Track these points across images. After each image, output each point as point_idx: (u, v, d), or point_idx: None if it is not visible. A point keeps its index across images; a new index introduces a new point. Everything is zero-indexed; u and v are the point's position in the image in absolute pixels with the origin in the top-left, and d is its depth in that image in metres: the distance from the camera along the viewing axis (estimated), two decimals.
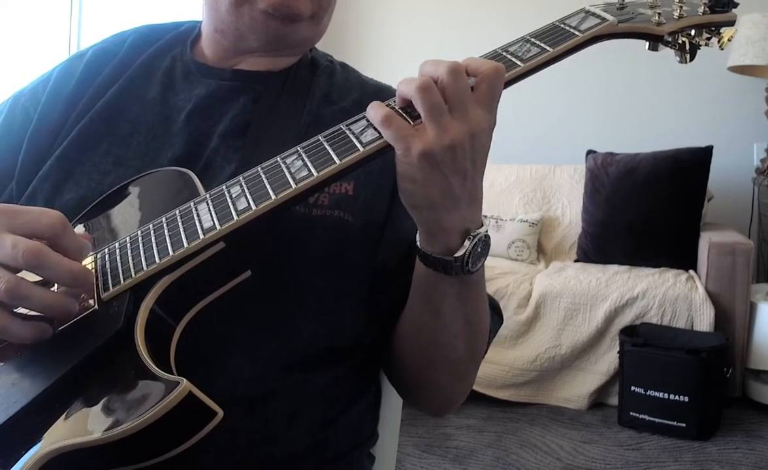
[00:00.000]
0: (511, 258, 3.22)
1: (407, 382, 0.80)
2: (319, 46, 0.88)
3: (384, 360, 0.81)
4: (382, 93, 0.83)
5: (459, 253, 0.62)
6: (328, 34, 0.87)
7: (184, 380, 0.51)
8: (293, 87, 0.80)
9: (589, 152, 3.27)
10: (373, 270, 0.74)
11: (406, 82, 0.59)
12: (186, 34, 0.87)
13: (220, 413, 0.52)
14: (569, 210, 3.35)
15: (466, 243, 0.61)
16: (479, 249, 0.62)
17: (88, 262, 0.64)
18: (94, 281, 0.60)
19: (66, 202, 0.74)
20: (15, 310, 0.57)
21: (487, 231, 0.63)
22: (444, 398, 0.79)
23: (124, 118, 0.79)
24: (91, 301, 0.60)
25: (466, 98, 0.58)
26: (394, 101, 0.61)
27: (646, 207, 2.96)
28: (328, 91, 0.81)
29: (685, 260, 2.88)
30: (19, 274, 0.56)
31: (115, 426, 0.50)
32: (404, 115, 0.59)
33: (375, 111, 0.60)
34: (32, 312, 0.57)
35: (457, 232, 0.61)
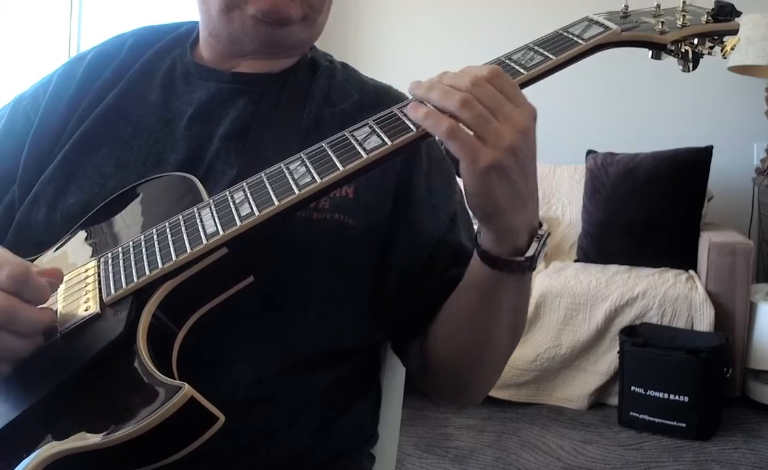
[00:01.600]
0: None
1: (446, 380, 0.79)
2: (319, 45, 0.88)
3: (412, 361, 0.80)
4: (383, 94, 0.83)
5: (529, 253, 0.63)
6: (328, 34, 0.87)
7: (186, 385, 0.51)
8: (293, 89, 0.80)
9: (589, 152, 3.27)
10: (396, 276, 0.74)
11: (443, 94, 0.59)
12: (185, 36, 0.87)
13: (222, 418, 0.53)
14: (569, 210, 3.35)
15: (534, 242, 0.63)
16: (545, 245, 0.64)
17: (91, 267, 0.65)
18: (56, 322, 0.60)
19: (69, 206, 0.74)
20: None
21: (547, 227, 0.64)
22: (479, 390, 0.80)
23: (126, 121, 0.79)
24: (93, 306, 0.60)
25: (501, 102, 0.59)
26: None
27: (646, 207, 2.95)
28: (328, 93, 0.81)
29: (685, 260, 2.88)
30: None
31: (116, 431, 0.50)
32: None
33: (432, 121, 0.59)
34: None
35: (525, 232, 0.62)
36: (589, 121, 3.58)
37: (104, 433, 0.50)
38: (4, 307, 0.54)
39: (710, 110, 3.38)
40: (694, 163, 2.96)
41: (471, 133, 0.58)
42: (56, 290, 0.61)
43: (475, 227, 0.66)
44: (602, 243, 3.05)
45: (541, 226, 0.64)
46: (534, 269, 0.64)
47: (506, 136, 0.58)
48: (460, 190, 0.83)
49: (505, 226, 0.62)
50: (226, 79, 0.80)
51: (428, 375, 0.81)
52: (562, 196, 3.40)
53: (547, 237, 0.64)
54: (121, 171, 0.75)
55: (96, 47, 0.88)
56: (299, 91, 0.80)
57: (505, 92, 0.60)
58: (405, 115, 0.62)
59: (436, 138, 0.60)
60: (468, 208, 0.63)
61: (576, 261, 3.13)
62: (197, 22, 0.87)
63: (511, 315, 0.70)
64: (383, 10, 3.98)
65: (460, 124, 0.58)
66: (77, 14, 2.75)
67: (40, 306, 0.58)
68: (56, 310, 0.61)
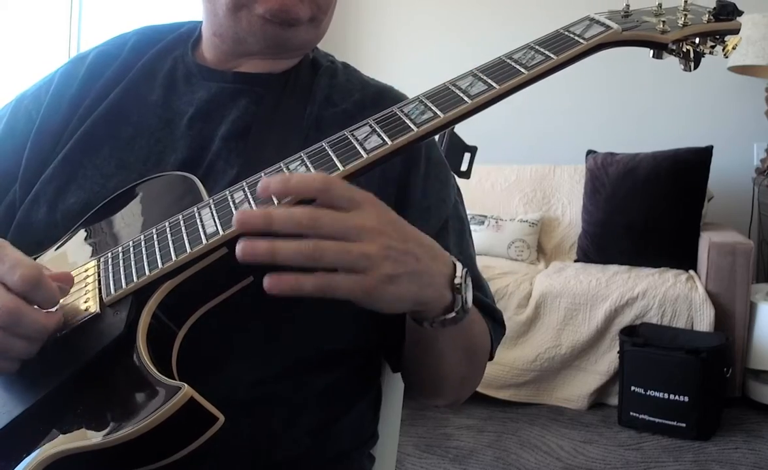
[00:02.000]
0: (511, 258, 3.22)
1: (420, 388, 0.82)
2: (320, 45, 0.88)
3: (396, 365, 0.82)
4: (384, 94, 0.83)
5: (458, 306, 0.62)
6: (329, 34, 0.87)
7: (186, 385, 0.51)
8: (294, 89, 0.80)
9: (589, 152, 3.27)
10: None
11: (291, 250, 0.53)
12: (187, 35, 0.87)
13: (221, 419, 0.53)
14: (569, 210, 3.35)
15: (457, 296, 0.61)
16: (468, 283, 0.63)
17: (91, 267, 0.64)
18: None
19: (70, 205, 0.74)
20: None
21: (462, 267, 0.62)
22: (455, 396, 0.81)
23: (127, 121, 0.79)
24: (93, 305, 0.60)
25: (343, 221, 0.55)
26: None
27: (646, 207, 2.96)
28: (329, 93, 0.81)
29: (685, 260, 2.88)
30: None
31: (115, 431, 0.50)
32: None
33: (293, 283, 0.54)
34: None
35: (445, 289, 0.61)
36: (589, 121, 3.58)
37: (104, 433, 0.51)
38: (11, 309, 0.54)
39: (710, 110, 3.38)
40: (694, 163, 2.96)
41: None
42: (66, 295, 0.61)
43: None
44: (602, 244, 3.05)
45: (455, 267, 0.62)
46: (467, 312, 0.63)
47: (370, 250, 0.54)
48: (456, 196, 0.83)
49: (421, 303, 0.60)
50: (228, 79, 0.80)
51: (406, 381, 0.83)
52: (562, 196, 3.40)
53: (464, 280, 0.61)
54: (121, 171, 0.75)
55: (97, 47, 0.88)
56: (301, 91, 0.80)
57: (339, 205, 0.55)
58: (406, 114, 0.62)
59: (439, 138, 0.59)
60: None
61: (576, 261, 3.13)
62: (199, 22, 0.87)
63: (458, 353, 0.70)
64: (384, 10, 3.98)
65: (329, 275, 0.54)
66: (77, 14, 2.76)
67: (48, 310, 0.58)
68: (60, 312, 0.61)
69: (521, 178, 3.48)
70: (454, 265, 0.62)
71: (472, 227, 3.31)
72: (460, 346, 0.70)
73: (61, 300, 0.59)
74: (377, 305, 0.57)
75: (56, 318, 0.58)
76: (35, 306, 0.56)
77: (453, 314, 0.62)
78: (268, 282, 0.53)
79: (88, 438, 0.51)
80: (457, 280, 0.61)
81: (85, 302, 0.60)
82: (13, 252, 0.58)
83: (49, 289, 0.57)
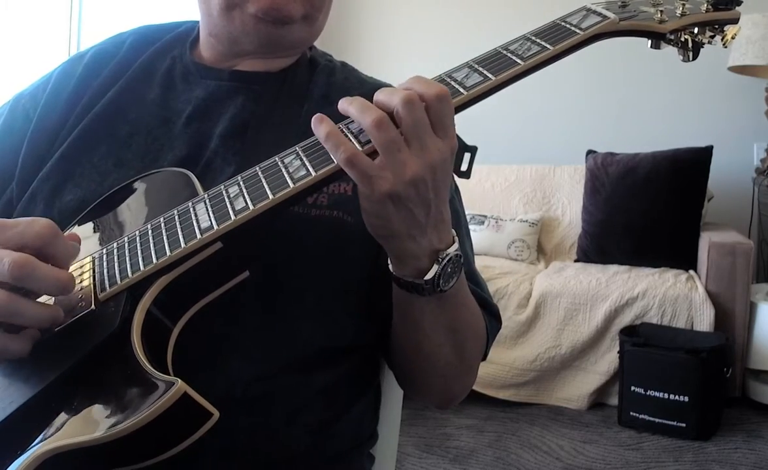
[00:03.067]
0: (511, 258, 3.22)
1: (404, 381, 0.82)
2: (318, 45, 0.88)
3: (386, 358, 0.82)
4: None
5: (429, 276, 0.62)
6: (328, 33, 0.87)
7: (179, 381, 0.51)
8: (292, 87, 0.80)
9: (589, 152, 3.27)
10: (375, 272, 0.74)
11: (360, 110, 0.58)
12: (185, 35, 0.87)
13: (216, 414, 0.52)
14: (569, 210, 3.35)
15: (435, 266, 0.61)
16: (449, 270, 0.62)
17: (86, 262, 0.64)
18: (87, 286, 0.60)
19: (66, 203, 0.74)
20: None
21: (457, 249, 0.63)
22: (442, 397, 0.80)
23: (124, 120, 0.79)
24: (88, 301, 0.60)
25: (423, 130, 0.57)
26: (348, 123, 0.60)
27: (645, 207, 2.96)
28: (327, 91, 0.81)
29: (685, 260, 2.88)
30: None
31: (110, 427, 0.50)
32: (353, 134, 0.59)
33: (333, 144, 0.57)
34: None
35: (426, 256, 0.61)
36: (589, 121, 3.58)
37: (99, 429, 0.50)
38: (23, 263, 0.55)
39: (710, 110, 3.37)
40: (694, 163, 2.96)
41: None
42: (78, 253, 0.63)
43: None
44: (602, 243, 3.05)
45: (447, 248, 0.62)
46: (443, 292, 0.63)
47: (410, 167, 0.56)
48: (454, 193, 0.83)
49: (402, 249, 0.61)
50: (225, 78, 0.80)
51: (396, 375, 0.82)
52: (562, 196, 3.40)
53: (452, 261, 0.62)
54: (119, 169, 0.75)
55: (95, 46, 0.88)
56: (298, 90, 0.80)
57: (435, 120, 0.58)
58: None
59: None
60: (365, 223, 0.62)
61: (576, 261, 3.13)
62: (197, 22, 0.87)
63: (442, 333, 0.70)
64: (383, 9, 3.98)
65: (360, 152, 0.57)
66: (77, 14, 2.76)
67: (42, 300, 0.58)
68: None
69: (521, 178, 3.47)
70: (451, 246, 0.63)
71: (472, 227, 3.33)
72: (441, 324, 0.69)
73: (54, 299, 0.59)
74: (365, 207, 0.59)
75: (67, 276, 0.58)
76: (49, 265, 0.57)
77: (420, 281, 0.62)
78: (316, 116, 0.58)
79: (83, 434, 0.51)
80: (441, 255, 0.62)
81: (80, 298, 0.60)
82: (25, 218, 0.60)
83: (66, 243, 0.60)
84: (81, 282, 0.62)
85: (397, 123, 0.57)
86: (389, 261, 0.65)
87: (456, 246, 0.63)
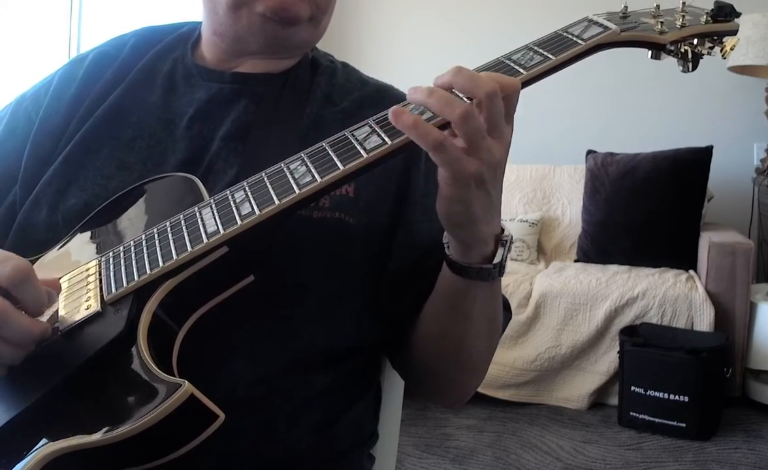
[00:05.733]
0: (511, 258, 3.22)
1: (427, 381, 0.80)
2: (320, 45, 0.88)
3: (397, 360, 0.82)
4: (384, 92, 0.83)
5: (497, 260, 0.64)
6: (329, 34, 0.87)
7: (186, 382, 0.51)
8: (294, 89, 0.80)
9: (589, 152, 3.27)
10: (389, 275, 0.75)
11: (443, 103, 0.58)
12: (186, 36, 0.87)
13: (222, 416, 0.53)
14: (569, 210, 3.35)
15: (500, 248, 0.64)
16: (509, 252, 0.65)
17: (92, 265, 0.65)
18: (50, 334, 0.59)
19: (70, 207, 0.74)
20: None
21: (509, 231, 0.65)
22: (461, 392, 0.80)
23: (127, 122, 0.79)
24: (94, 304, 0.60)
25: (501, 119, 0.59)
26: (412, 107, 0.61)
27: (645, 207, 2.96)
28: (329, 92, 0.81)
29: (685, 260, 2.88)
30: None
31: (116, 428, 0.50)
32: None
33: (422, 132, 0.57)
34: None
35: (492, 240, 0.63)
36: (589, 121, 3.58)
37: (104, 431, 0.51)
38: None
39: (710, 110, 3.38)
40: (694, 163, 2.96)
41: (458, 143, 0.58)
42: (54, 302, 0.61)
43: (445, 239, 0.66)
44: (602, 243, 3.05)
45: (503, 231, 0.65)
46: (502, 275, 0.65)
47: (496, 153, 0.58)
48: None
49: (476, 235, 0.62)
50: (227, 80, 0.80)
51: (411, 377, 0.82)
52: (562, 196, 3.40)
53: (511, 242, 0.65)
54: (122, 172, 0.76)
55: (97, 48, 0.88)
56: (300, 91, 0.80)
57: (508, 110, 0.60)
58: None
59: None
60: (439, 215, 0.62)
61: (576, 261, 3.13)
62: (198, 23, 0.87)
63: (484, 321, 0.70)
64: (383, 9, 3.98)
65: (449, 137, 0.57)
66: (77, 14, 2.76)
67: (33, 317, 0.58)
68: (56, 310, 0.61)
69: (521, 178, 3.47)
70: (503, 230, 0.65)
71: None
72: (486, 313, 0.70)
73: (61, 299, 0.59)
74: (448, 193, 0.59)
75: (42, 326, 0.58)
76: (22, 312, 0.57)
77: (490, 266, 0.63)
78: (393, 110, 0.57)
79: (89, 435, 0.51)
80: (505, 237, 0.64)
81: (87, 300, 0.61)
82: (4, 251, 0.59)
83: (38, 289, 0.58)
84: (87, 284, 0.63)
85: (480, 111, 0.58)
86: (449, 253, 0.65)
87: (507, 229, 0.65)
